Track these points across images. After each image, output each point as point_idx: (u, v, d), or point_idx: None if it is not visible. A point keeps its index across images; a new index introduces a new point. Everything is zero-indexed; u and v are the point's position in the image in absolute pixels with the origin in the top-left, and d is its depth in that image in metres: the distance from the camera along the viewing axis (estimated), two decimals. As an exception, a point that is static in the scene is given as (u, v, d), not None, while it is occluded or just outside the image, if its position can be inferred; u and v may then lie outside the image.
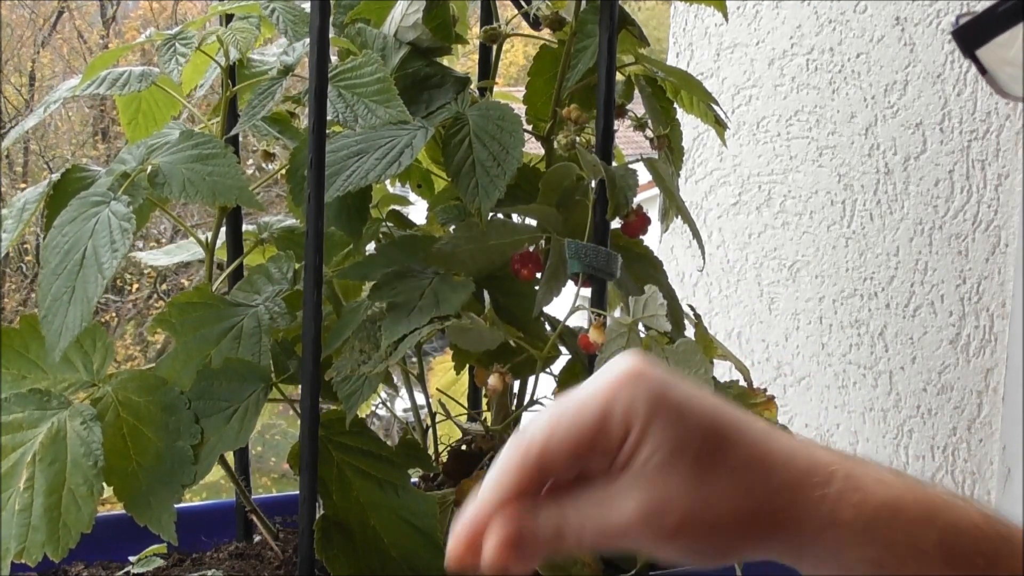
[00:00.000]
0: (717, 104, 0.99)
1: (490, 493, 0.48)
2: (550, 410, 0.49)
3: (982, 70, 0.55)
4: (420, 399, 0.95)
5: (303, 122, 0.95)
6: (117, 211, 0.75)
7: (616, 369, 0.48)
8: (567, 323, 0.88)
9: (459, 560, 0.48)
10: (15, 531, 0.72)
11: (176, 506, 0.77)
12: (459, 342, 0.82)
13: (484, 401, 1.02)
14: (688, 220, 0.92)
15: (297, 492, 0.75)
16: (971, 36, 0.54)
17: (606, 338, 0.75)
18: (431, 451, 0.93)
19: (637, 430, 0.47)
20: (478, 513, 0.48)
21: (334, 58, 0.84)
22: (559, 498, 0.49)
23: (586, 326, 0.79)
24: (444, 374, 1.03)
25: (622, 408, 0.47)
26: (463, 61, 1.09)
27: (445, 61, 0.92)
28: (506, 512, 0.48)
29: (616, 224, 0.87)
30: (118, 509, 0.80)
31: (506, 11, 0.94)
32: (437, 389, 1.00)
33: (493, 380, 0.76)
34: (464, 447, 0.92)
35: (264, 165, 0.94)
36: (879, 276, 1.40)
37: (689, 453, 0.47)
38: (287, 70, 0.83)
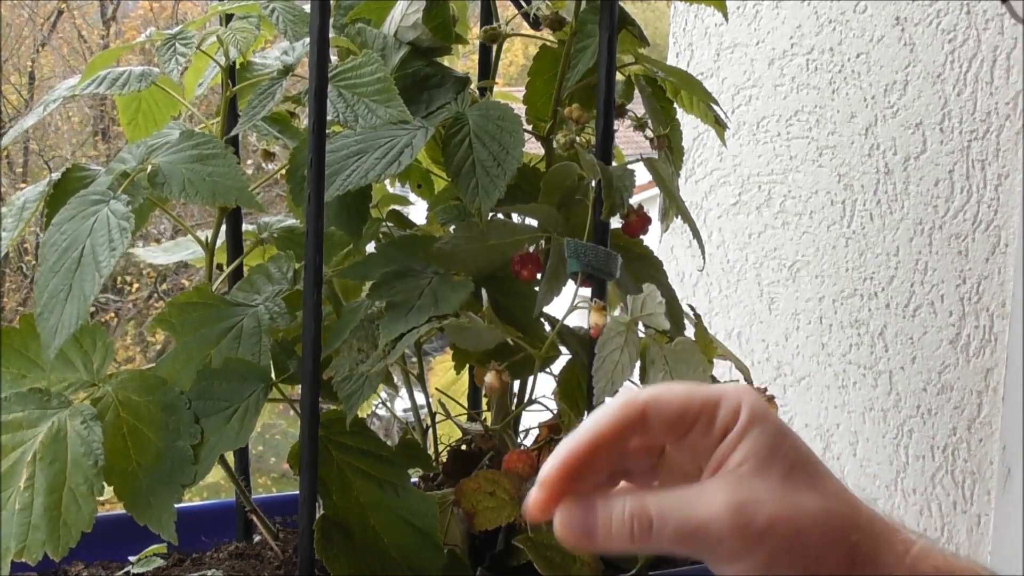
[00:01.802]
0: (717, 104, 0.99)
1: (585, 432, 0.49)
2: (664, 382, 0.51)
3: None
4: (420, 399, 0.95)
5: (303, 122, 0.95)
6: (116, 210, 0.75)
7: (730, 383, 0.50)
8: (566, 323, 0.88)
9: (540, 509, 0.48)
10: (15, 530, 0.72)
11: (176, 506, 0.77)
12: (457, 341, 0.82)
13: (484, 401, 1.02)
14: (688, 220, 0.92)
15: (297, 492, 0.75)
16: None
17: (605, 336, 0.75)
18: (431, 451, 0.93)
19: (738, 428, 0.49)
20: (567, 454, 0.48)
21: (334, 58, 0.84)
22: (638, 491, 0.49)
23: (586, 325, 0.79)
24: (444, 374, 1.03)
25: (730, 403, 0.49)
26: (463, 61, 1.09)
27: (445, 61, 0.93)
28: (580, 496, 0.48)
29: (617, 224, 0.87)
30: (118, 509, 0.80)
31: (506, 11, 0.94)
32: (437, 389, 1.00)
33: (490, 378, 0.76)
34: (464, 447, 0.93)
35: (264, 165, 0.94)
36: (879, 276, 1.40)
37: (781, 467, 0.49)
38: (287, 70, 0.83)
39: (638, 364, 0.77)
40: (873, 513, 0.51)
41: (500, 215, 0.88)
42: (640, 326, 0.77)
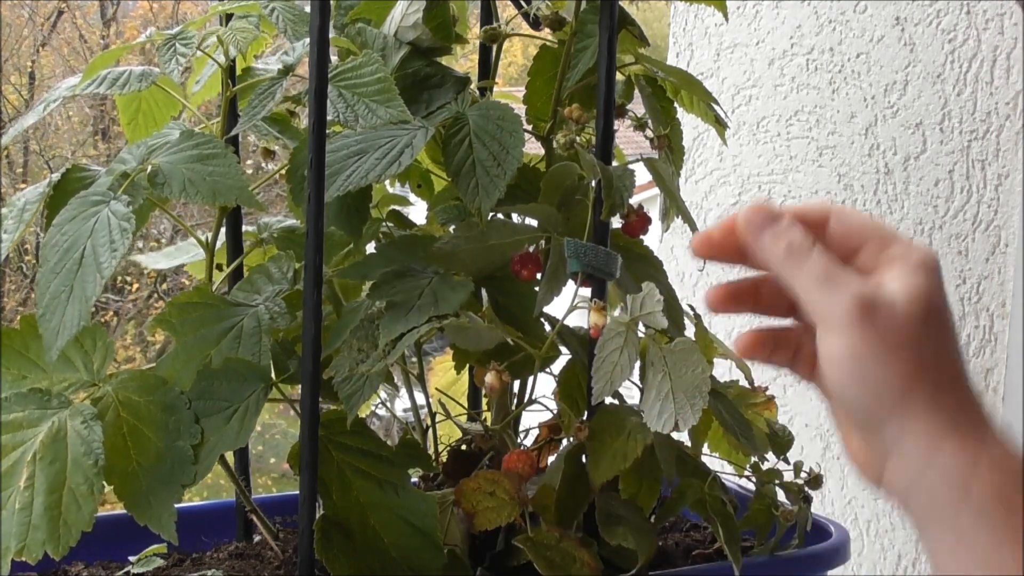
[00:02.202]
0: (717, 104, 0.99)
1: (779, 206, 0.58)
2: None
3: None
4: (420, 399, 0.95)
5: (303, 122, 0.95)
6: (117, 211, 0.75)
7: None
8: (566, 323, 0.88)
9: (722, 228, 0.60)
10: (15, 529, 0.72)
11: (176, 506, 0.77)
12: (457, 341, 0.82)
13: (484, 401, 1.02)
14: (688, 220, 0.92)
15: (297, 492, 0.75)
16: None
17: (605, 336, 0.75)
18: (431, 451, 0.93)
19: (906, 264, 0.56)
20: (764, 206, 0.58)
21: (334, 58, 0.84)
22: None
23: (585, 325, 0.79)
24: (444, 374, 1.03)
25: (907, 244, 0.57)
26: (463, 61, 1.09)
27: (445, 61, 0.93)
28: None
29: (617, 224, 0.87)
30: (118, 509, 0.80)
31: (506, 11, 0.94)
32: (437, 389, 1.00)
33: (490, 378, 0.76)
34: (464, 447, 0.93)
35: (264, 165, 0.94)
36: (879, 276, 1.40)
37: (919, 312, 0.55)
38: (287, 70, 0.83)
39: (637, 364, 0.77)
40: (972, 393, 0.56)
41: (500, 215, 0.88)
42: (640, 326, 0.77)
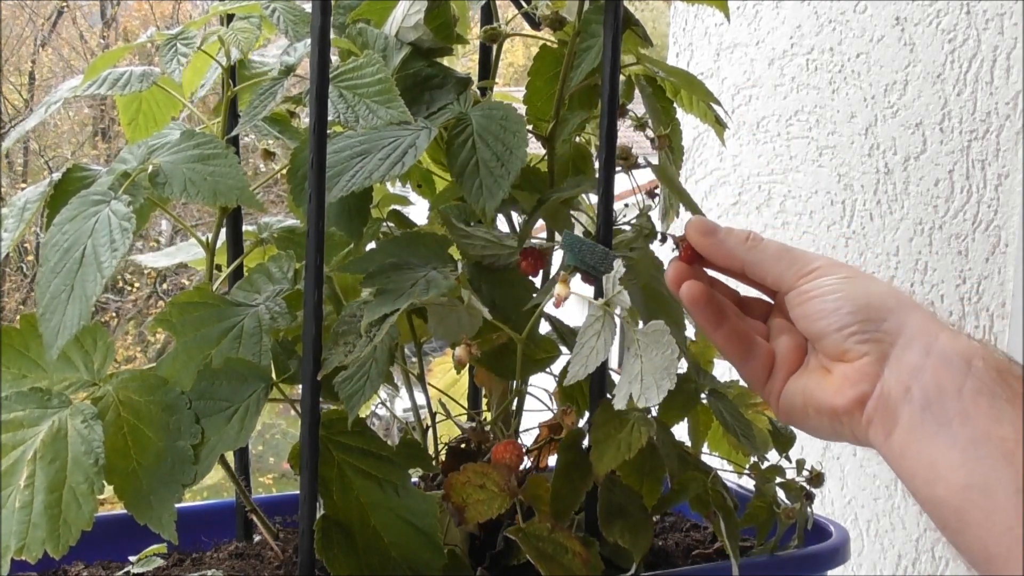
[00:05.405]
0: (719, 104, 0.99)
1: None
2: None
3: None
4: (420, 399, 0.95)
5: (303, 122, 0.95)
6: (117, 210, 0.75)
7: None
8: (569, 325, 0.88)
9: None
10: (15, 528, 0.72)
11: (176, 506, 0.77)
12: (439, 333, 0.82)
13: (484, 401, 1.02)
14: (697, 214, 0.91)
15: (297, 492, 0.75)
16: None
17: (586, 323, 0.74)
18: (431, 451, 0.93)
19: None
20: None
21: (335, 58, 0.84)
22: None
23: (582, 322, 0.79)
24: (444, 374, 1.03)
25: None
26: (464, 62, 1.09)
27: (446, 61, 0.93)
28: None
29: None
30: (118, 508, 0.80)
31: (506, 11, 0.94)
32: (437, 389, 1.00)
33: (460, 351, 0.76)
34: (463, 445, 0.92)
35: (262, 166, 0.94)
36: (879, 276, 1.40)
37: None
38: (288, 70, 0.83)
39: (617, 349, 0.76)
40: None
41: (503, 216, 0.88)
42: (618, 311, 0.76)
